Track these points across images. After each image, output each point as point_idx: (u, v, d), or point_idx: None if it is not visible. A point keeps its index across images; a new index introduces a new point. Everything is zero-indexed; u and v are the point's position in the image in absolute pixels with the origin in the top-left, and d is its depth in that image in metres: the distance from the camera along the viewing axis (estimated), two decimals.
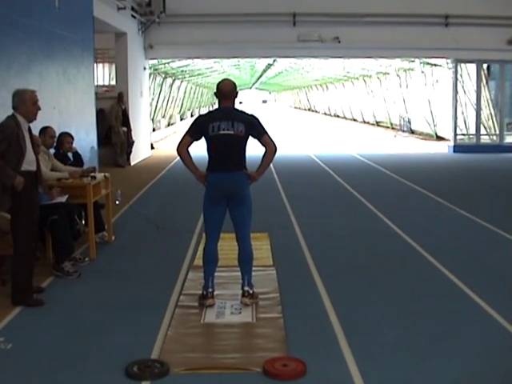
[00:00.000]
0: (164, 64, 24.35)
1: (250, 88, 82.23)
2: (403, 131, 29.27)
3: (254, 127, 5.16)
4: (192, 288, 5.66)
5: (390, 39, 17.61)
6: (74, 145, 7.87)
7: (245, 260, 5.30)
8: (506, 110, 20.87)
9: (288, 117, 54.26)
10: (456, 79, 19.67)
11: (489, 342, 4.46)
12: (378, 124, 35.56)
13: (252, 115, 5.25)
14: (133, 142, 16.50)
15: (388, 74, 30.96)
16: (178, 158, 5.30)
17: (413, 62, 25.13)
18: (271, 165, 5.55)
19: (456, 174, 14.87)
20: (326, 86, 49.83)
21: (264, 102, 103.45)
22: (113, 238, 7.55)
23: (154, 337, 4.52)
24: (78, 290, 5.73)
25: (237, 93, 5.23)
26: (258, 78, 57.60)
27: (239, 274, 5.35)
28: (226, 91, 5.16)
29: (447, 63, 20.93)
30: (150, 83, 22.31)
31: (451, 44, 17.76)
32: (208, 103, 54.02)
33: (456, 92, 19.70)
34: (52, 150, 7.29)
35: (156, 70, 24.40)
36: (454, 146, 19.67)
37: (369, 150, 20.89)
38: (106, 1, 13.47)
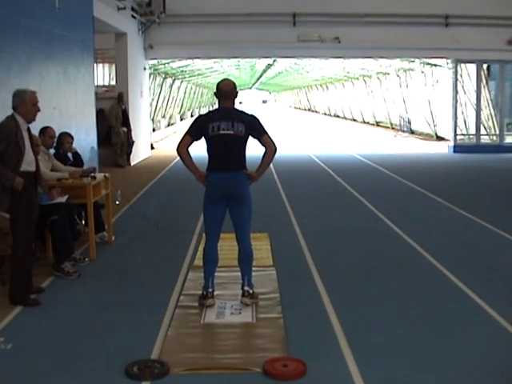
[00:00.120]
0: (164, 64, 24.35)
1: (250, 88, 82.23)
2: (403, 131, 29.27)
3: (254, 127, 5.16)
4: (192, 288, 5.66)
5: (390, 39, 17.61)
6: (74, 145, 7.88)
7: (245, 260, 5.30)
8: (506, 110, 20.86)
9: (288, 117, 54.26)
10: (456, 79, 19.67)
11: (489, 342, 4.46)
12: (377, 124, 35.55)
13: (252, 115, 5.25)
14: (133, 142, 16.50)
15: (388, 74, 30.96)
16: (178, 158, 5.30)
17: (413, 62, 25.13)
18: (271, 165, 5.55)
19: (456, 174, 14.87)
20: (326, 86, 49.83)
21: (264, 102, 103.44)
22: (113, 238, 7.56)
23: (153, 337, 4.52)
24: (78, 291, 5.73)
25: (237, 93, 5.23)
26: (258, 78, 57.59)
27: (239, 274, 5.35)
28: (226, 91, 5.16)
29: (447, 63, 20.93)
30: (150, 83, 22.31)
31: (451, 44, 17.76)
32: (208, 103, 54.02)
33: (456, 92, 19.71)
34: (52, 150, 7.29)
35: (156, 70, 24.40)
36: (454, 146, 19.67)
37: (369, 150, 20.89)
38: (106, 1, 13.47)
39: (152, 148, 20.34)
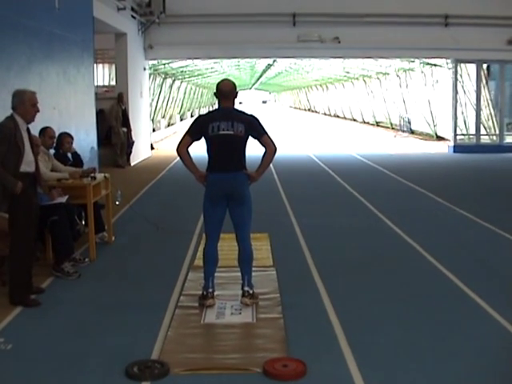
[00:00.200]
0: (164, 64, 24.36)
1: (250, 88, 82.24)
2: (403, 131, 29.26)
3: (254, 127, 5.16)
4: (192, 288, 5.66)
5: (390, 39, 17.60)
6: (74, 145, 7.88)
7: (245, 260, 5.30)
8: (506, 110, 20.86)
9: (288, 117, 54.25)
10: (456, 79, 19.67)
11: (489, 342, 4.46)
12: (377, 124, 35.55)
13: (252, 115, 5.25)
14: (133, 143, 16.50)
15: (388, 74, 30.96)
16: (178, 158, 5.31)
17: (413, 62, 25.13)
18: (271, 165, 5.55)
19: (456, 174, 14.87)
20: (326, 87, 49.82)
21: (264, 102, 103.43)
22: (113, 238, 7.56)
23: (154, 337, 4.52)
24: (78, 291, 5.73)
25: (237, 93, 5.23)
26: (258, 79, 57.61)
27: (239, 274, 5.35)
28: (226, 91, 5.16)
29: (447, 63, 20.93)
30: (150, 83, 22.31)
31: (451, 44, 17.75)
32: (208, 103, 54.02)
33: (456, 92, 19.70)
34: (52, 151, 7.29)
35: (156, 70, 24.40)
36: (454, 146, 19.67)
37: (369, 150, 20.90)
38: (106, 1, 13.47)
39: (152, 148, 20.34)
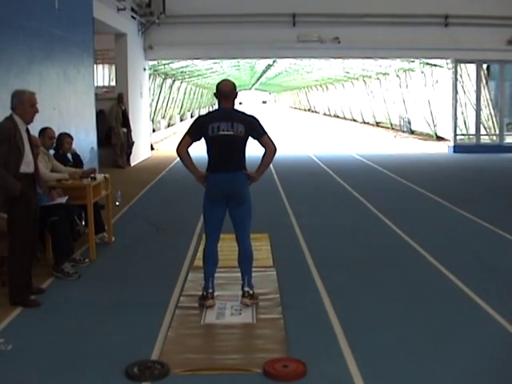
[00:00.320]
0: (164, 65, 24.37)
1: (250, 89, 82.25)
2: (403, 131, 29.27)
3: (254, 128, 5.16)
4: (192, 289, 5.66)
5: (390, 39, 17.61)
6: (74, 146, 7.88)
7: (245, 261, 5.30)
8: (506, 110, 20.87)
9: (288, 117, 54.27)
10: (456, 79, 19.67)
11: (489, 342, 4.46)
12: (377, 124, 35.56)
13: (252, 116, 5.25)
14: (133, 143, 16.50)
15: (388, 74, 30.96)
16: (178, 158, 5.31)
17: (413, 62, 25.14)
18: (271, 165, 5.55)
19: (456, 174, 14.87)
20: (326, 87, 49.83)
21: (264, 102, 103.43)
22: (113, 238, 7.56)
23: (154, 338, 4.52)
24: (78, 291, 5.73)
25: (236, 93, 5.23)
26: (258, 79, 57.61)
27: (239, 274, 5.35)
28: (226, 92, 5.16)
29: (447, 63, 20.93)
30: (150, 84, 22.32)
31: (451, 44, 17.76)
32: (208, 104, 54.03)
33: (456, 92, 19.71)
34: (51, 151, 7.29)
35: (156, 70, 24.41)
36: (454, 147, 19.67)
37: (369, 150, 20.90)
38: (106, 2, 13.48)
39: (152, 149, 20.34)
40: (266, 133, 5.20)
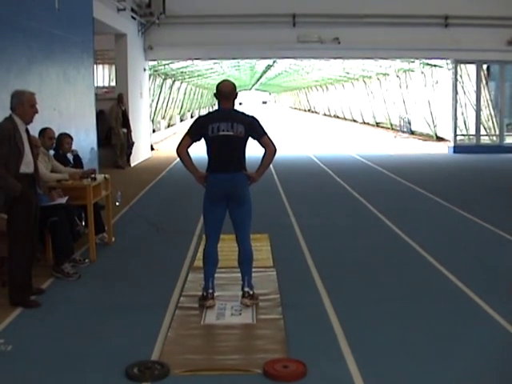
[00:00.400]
0: (164, 65, 24.37)
1: (250, 89, 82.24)
2: (403, 132, 29.27)
3: (254, 128, 5.16)
4: (192, 289, 5.66)
5: (390, 40, 17.61)
6: (74, 146, 7.88)
7: (245, 261, 5.30)
8: (506, 111, 20.88)
9: (288, 118, 54.27)
10: (456, 80, 19.67)
11: (489, 342, 4.46)
12: (377, 125, 35.55)
13: (251, 116, 5.25)
14: (133, 143, 16.50)
15: (388, 74, 30.97)
16: (178, 159, 5.31)
17: (413, 62, 25.13)
18: (271, 165, 5.55)
19: (456, 175, 14.87)
20: (326, 87, 49.83)
21: (264, 102, 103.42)
22: (113, 239, 7.55)
23: (154, 338, 4.52)
24: (78, 292, 5.73)
25: (236, 94, 5.23)
26: (258, 79, 57.62)
27: (239, 275, 5.35)
28: (226, 92, 5.16)
29: (447, 64, 20.93)
30: (150, 84, 22.32)
31: (451, 45, 17.76)
32: (208, 104, 54.04)
33: (456, 93, 19.71)
34: (51, 152, 7.29)
35: (156, 71, 24.41)
36: (454, 147, 19.67)
37: (369, 150, 20.90)
38: (106, 2, 13.48)
39: (152, 149, 20.34)
40: (265, 133, 5.20)
